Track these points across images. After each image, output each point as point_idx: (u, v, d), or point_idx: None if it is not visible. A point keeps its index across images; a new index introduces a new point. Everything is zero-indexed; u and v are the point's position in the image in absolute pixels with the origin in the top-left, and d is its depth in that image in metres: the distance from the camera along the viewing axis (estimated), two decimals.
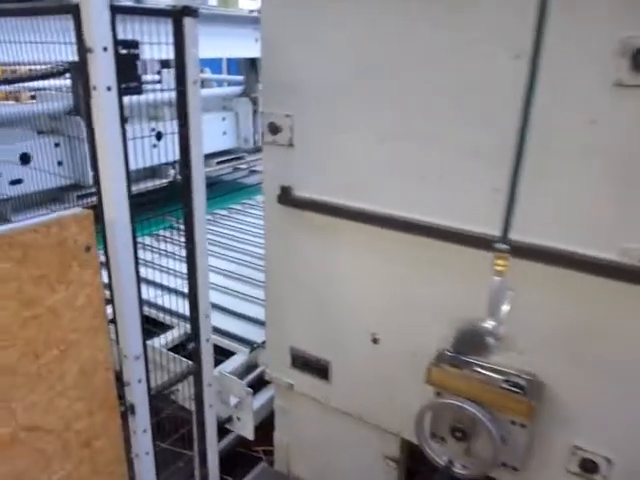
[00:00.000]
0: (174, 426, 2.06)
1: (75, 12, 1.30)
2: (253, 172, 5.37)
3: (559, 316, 1.51)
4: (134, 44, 1.44)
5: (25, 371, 1.31)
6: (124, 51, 1.42)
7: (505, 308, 1.32)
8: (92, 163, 1.47)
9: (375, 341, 1.88)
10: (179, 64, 1.57)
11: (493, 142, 1.44)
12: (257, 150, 4.70)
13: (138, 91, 1.45)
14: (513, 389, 1.55)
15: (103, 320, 1.46)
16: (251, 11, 4.27)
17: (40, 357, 1.33)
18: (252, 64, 4.27)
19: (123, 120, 1.43)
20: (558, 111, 1.36)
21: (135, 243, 1.56)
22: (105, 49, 1.34)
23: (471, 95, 1.47)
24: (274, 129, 1.82)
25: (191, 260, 1.79)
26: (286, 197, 1.85)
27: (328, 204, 1.77)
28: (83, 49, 1.34)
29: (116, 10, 1.32)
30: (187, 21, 1.53)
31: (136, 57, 1.45)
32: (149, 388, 1.73)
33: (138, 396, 1.69)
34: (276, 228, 1.95)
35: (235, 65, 6.56)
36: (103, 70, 1.35)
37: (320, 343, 2.01)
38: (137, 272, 1.57)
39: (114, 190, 1.47)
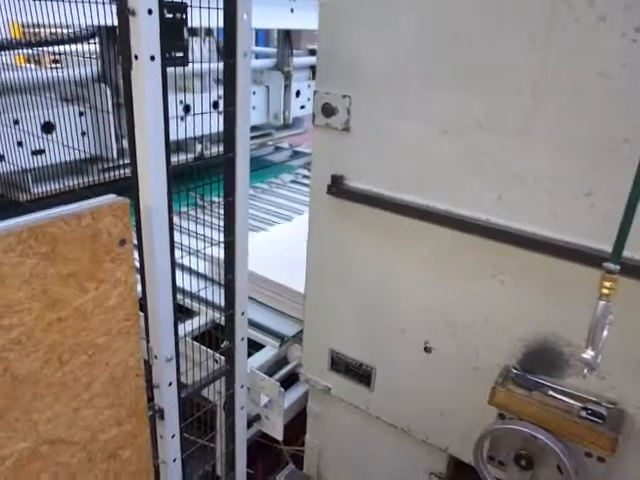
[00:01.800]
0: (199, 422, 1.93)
1: None
2: (278, 149, 5.16)
3: None
4: (182, 7, 1.24)
5: (49, 380, 1.15)
6: (169, 15, 1.23)
7: (605, 334, 1.13)
8: (129, 142, 1.29)
9: (427, 350, 1.70)
10: (229, 33, 1.37)
11: (604, 136, 1.23)
12: (286, 127, 4.48)
13: (184, 62, 1.26)
14: (593, 418, 1.37)
15: (136, 322, 1.29)
16: None
17: (66, 364, 1.18)
18: (286, 36, 4.02)
19: (166, 95, 1.24)
20: None
21: (172, 235, 1.38)
22: (150, 12, 1.14)
23: (584, 78, 1.24)
24: (328, 111, 1.61)
25: (230, 256, 1.61)
26: (337, 187, 1.65)
27: (387, 198, 1.58)
28: (124, 11, 1.14)
29: None
30: None
31: (183, 23, 1.25)
32: (179, 391, 1.58)
33: (168, 400, 1.54)
34: (323, 220, 1.77)
35: (262, 36, 6.29)
36: (147, 37, 1.16)
37: (364, 347, 1.84)
38: (173, 268, 1.40)
39: (152, 174, 1.29)
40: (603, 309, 1.08)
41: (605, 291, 1.07)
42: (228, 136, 1.48)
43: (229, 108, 1.43)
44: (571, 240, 1.32)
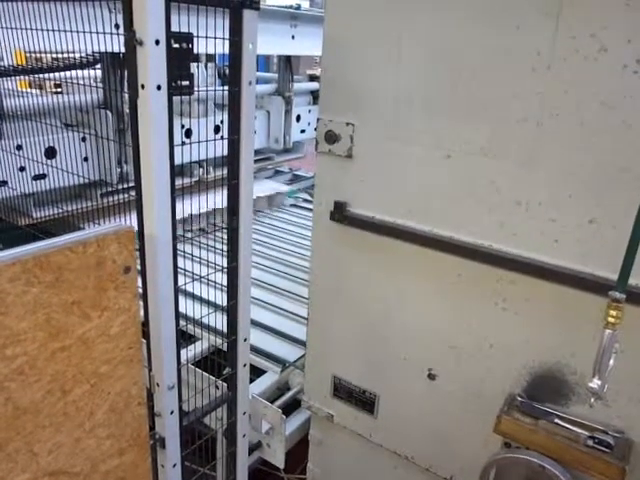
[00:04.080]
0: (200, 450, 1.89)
1: None
2: (278, 172, 5.19)
3: None
4: (188, 38, 1.26)
5: (51, 409, 1.14)
6: (176, 45, 1.24)
7: (612, 363, 1.12)
8: (134, 169, 1.30)
9: (431, 377, 1.68)
10: (235, 62, 1.39)
11: (607, 165, 1.24)
12: (286, 151, 4.51)
13: (190, 91, 1.27)
14: (600, 447, 1.35)
15: (139, 350, 1.28)
16: (288, 6, 4.08)
17: (68, 393, 1.16)
18: (286, 62, 4.08)
19: (172, 123, 1.25)
20: None
21: (176, 262, 1.38)
22: (157, 42, 1.16)
23: (566, 110, 1.27)
24: (332, 138, 1.63)
25: (233, 281, 1.61)
26: (340, 214, 1.66)
27: (389, 225, 1.58)
28: (132, 41, 1.16)
29: None
30: (247, 13, 1.34)
31: (189, 52, 1.27)
32: (181, 419, 1.56)
33: (170, 429, 1.52)
34: (326, 246, 1.77)
35: (262, 62, 6.38)
36: (154, 66, 1.17)
37: (368, 374, 1.82)
38: (177, 295, 1.40)
39: (156, 201, 1.29)
40: (609, 338, 1.08)
41: (611, 320, 1.07)
42: (232, 163, 1.49)
43: (233, 136, 1.44)
44: (574, 267, 1.32)
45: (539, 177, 1.34)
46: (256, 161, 4.43)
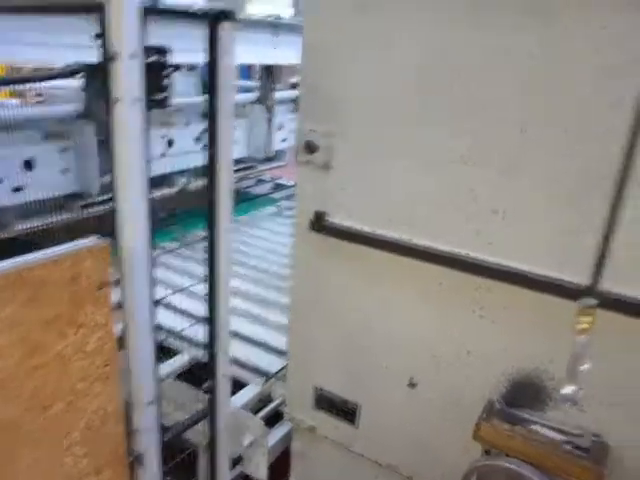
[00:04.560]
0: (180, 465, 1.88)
1: (100, 11, 1.12)
2: (260, 181, 5.19)
3: (631, 371, 1.33)
4: (163, 51, 1.26)
5: (30, 425, 1.12)
6: (152, 59, 1.25)
7: (586, 368, 1.14)
8: (112, 182, 1.29)
9: (412, 385, 1.69)
10: (212, 74, 1.39)
11: (587, 173, 1.26)
12: (268, 159, 4.51)
13: (165, 104, 1.27)
14: (576, 452, 1.37)
15: (115, 367, 1.27)
16: (268, 16, 4.10)
17: (48, 409, 1.14)
18: (268, 70, 4.09)
19: (148, 136, 1.25)
20: None
21: (153, 275, 1.37)
22: (133, 56, 1.16)
23: (559, 121, 1.28)
24: (311, 148, 1.64)
25: (212, 293, 1.60)
26: (320, 224, 1.67)
27: (370, 234, 1.59)
28: (107, 55, 1.15)
29: (148, 12, 1.14)
30: (224, 26, 1.35)
31: (165, 66, 1.27)
32: (160, 435, 1.54)
33: (149, 445, 1.50)
34: (306, 256, 1.77)
35: (245, 70, 6.39)
36: (129, 80, 1.17)
37: (349, 383, 1.82)
38: (154, 308, 1.39)
39: (132, 215, 1.28)
40: (582, 344, 1.10)
41: (584, 326, 1.08)
42: (210, 175, 1.49)
43: (211, 149, 1.44)
44: (551, 274, 1.34)
45: (517, 185, 1.36)
46: (238, 170, 4.44)
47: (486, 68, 1.34)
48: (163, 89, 1.27)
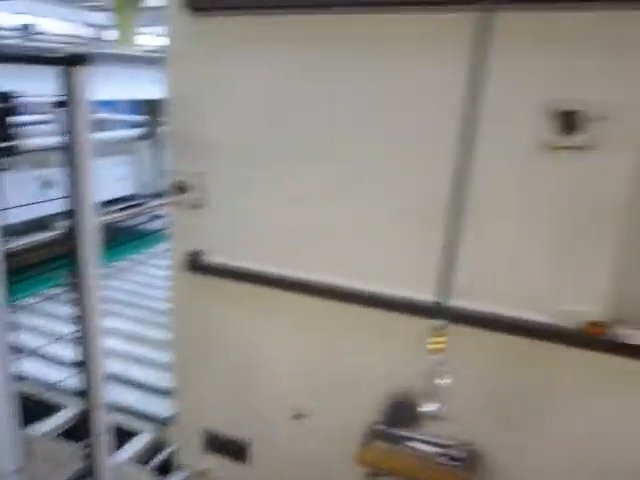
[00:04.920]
0: None
1: None
2: (156, 217, 5.05)
3: (494, 381, 1.45)
4: (6, 97, 1.21)
5: None
6: None
7: (444, 383, 1.22)
8: None
9: (300, 417, 1.71)
10: (68, 116, 1.36)
11: (429, 203, 1.36)
12: (159, 195, 4.42)
13: (10, 153, 1.22)
14: (449, 462, 1.45)
15: None
16: (147, 51, 4.06)
17: None
18: (153, 105, 4.04)
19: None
20: (488, 169, 1.31)
21: (9, 334, 1.29)
22: None
23: (400, 152, 1.39)
24: (182, 188, 1.64)
25: (83, 335, 1.53)
26: (196, 263, 1.66)
27: (244, 270, 1.61)
28: None
29: None
30: (78, 70, 1.32)
31: (9, 112, 1.22)
32: None
33: None
34: (185, 297, 1.75)
35: (130, 106, 6.24)
36: None
37: (238, 421, 1.80)
38: (13, 369, 1.30)
39: None
40: (437, 363, 1.18)
41: (436, 346, 1.16)
42: (71, 217, 1.43)
43: (71, 191, 1.39)
44: (408, 295, 1.42)
45: (371, 215, 1.45)
46: (128, 207, 4.30)
47: (326, 112, 1.44)
48: (8, 137, 1.22)
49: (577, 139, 1.22)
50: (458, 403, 1.44)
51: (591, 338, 1.31)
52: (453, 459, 1.46)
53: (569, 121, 1.22)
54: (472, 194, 1.25)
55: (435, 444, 1.49)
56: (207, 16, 1.51)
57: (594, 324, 1.31)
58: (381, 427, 1.54)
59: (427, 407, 1.19)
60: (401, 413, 1.53)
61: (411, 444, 1.49)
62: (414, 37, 1.32)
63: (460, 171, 1.13)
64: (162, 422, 2.14)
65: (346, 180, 1.47)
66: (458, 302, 1.28)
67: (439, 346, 1.17)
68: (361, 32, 1.35)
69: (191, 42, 1.55)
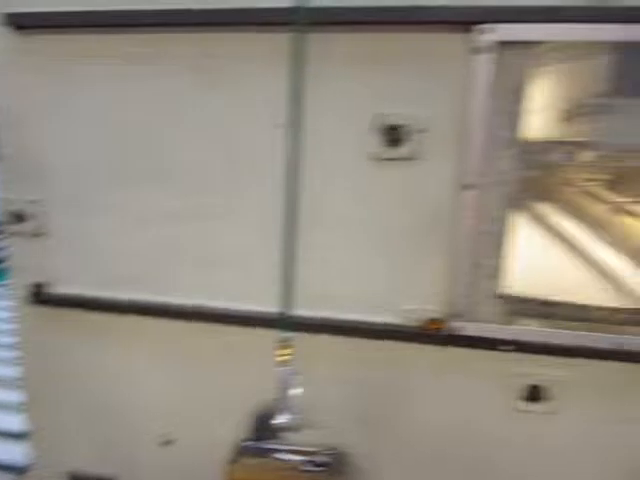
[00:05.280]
0: None
1: None
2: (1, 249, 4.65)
3: (351, 384, 1.51)
4: None
5: None
6: None
7: (296, 393, 1.25)
8: None
9: (168, 443, 1.66)
10: None
11: (265, 217, 1.39)
12: None
13: None
14: (314, 469, 1.49)
15: None
16: None
17: None
18: None
19: None
20: (322, 183, 1.38)
21: None
22: None
23: (237, 169, 1.42)
24: (19, 217, 1.53)
25: None
26: (40, 296, 1.55)
27: (95, 299, 1.54)
28: None
29: None
30: None
31: None
32: None
33: None
34: (32, 332, 1.63)
35: None
36: None
37: (103, 458, 1.71)
38: None
39: None
40: (285, 374, 1.21)
41: (283, 358, 1.19)
42: None
43: None
44: (259, 309, 1.44)
45: (225, 234, 1.46)
46: None
47: (164, 131, 1.43)
48: None
49: (401, 151, 1.33)
50: (319, 409, 1.50)
51: (432, 333, 1.42)
52: (318, 465, 1.50)
53: (393, 135, 1.32)
54: (308, 206, 1.32)
55: (300, 452, 1.52)
56: (33, 34, 1.43)
57: (433, 320, 1.42)
58: (248, 443, 1.54)
59: (280, 419, 1.21)
60: (265, 427, 1.54)
61: (278, 456, 1.51)
62: (243, 57, 1.35)
63: (291, 184, 1.17)
64: (19, 471, 1.97)
65: (189, 198, 1.46)
66: (305, 312, 1.33)
67: (286, 357, 1.20)
68: (190, 51, 1.36)
69: (18, 62, 1.47)
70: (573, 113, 1.53)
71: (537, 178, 2.38)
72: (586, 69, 1.42)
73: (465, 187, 1.30)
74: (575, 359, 1.36)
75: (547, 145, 1.50)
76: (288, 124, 1.16)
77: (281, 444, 1.53)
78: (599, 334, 1.33)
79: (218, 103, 1.39)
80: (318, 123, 1.34)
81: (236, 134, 1.40)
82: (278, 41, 1.25)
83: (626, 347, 1.34)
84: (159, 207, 1.47)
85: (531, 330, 1.37)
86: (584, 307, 1.36)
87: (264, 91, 1.35)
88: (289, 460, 1.49)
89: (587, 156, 2.57)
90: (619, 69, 1.33)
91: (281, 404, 1.22)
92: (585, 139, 1.55)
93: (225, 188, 1.44)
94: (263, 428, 1.55)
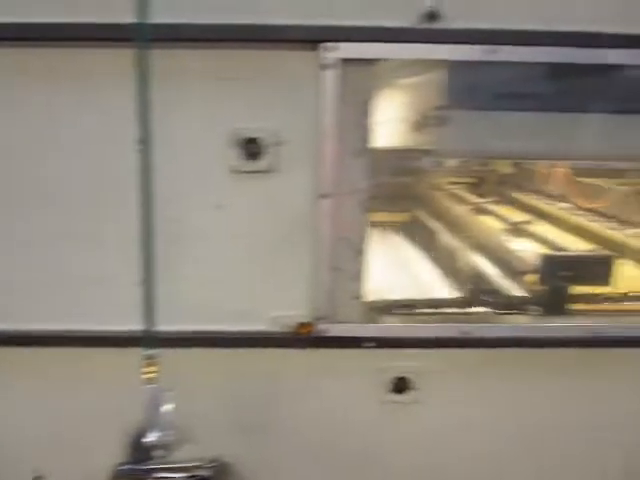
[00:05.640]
0: None
1: None
2: None
3: (228, 395, 1.53)
4: None
5: None
6: None
7: (168, 409, 1.24)
8: None
9: (39, 478, 1.57)
10: None
11: (125, 233, 1.37)
12: None
13: None
14: None
15: None
16: None
17: None
18: None
19: None
20: (184, 198, 1.38)
21: None
22: None
23: (97, 184, 1.39)
24: None
25: None
26: None
27: None
28: None
29: None
30: None
31: None
32: None
33: None
34: None
35: None
36: None
37: None
38: None
39: None
40: (153, 391, 1.19)
41: (150, 375, 1.18)
42: None
43: None
44: (126, 329, 1.40)
45: (100, 255, 1.42)
46: None
47: (37, 148, 1.37)
48: None
49: (260, 164, 1.37)
50: (196, 423, 1.49)
51: (302, 337, 1.47)
52: (203, 478, 1.49)
53: (251, 148, 1.36)
54: (170, 221, 1.32)
55: (180, 469, 1.50)
56: None
57: (303, 325, 1.47)
58: (124, 467, 1.50)
59: (152, 437, 1.20)
60: (140, 448, 1.51)
61: (157, 475, 1.48)
62: (106, 72, 1.32)
63: (145, 201, 1.17)
64: None
65: (51, 220, 1.41)
66: (173, 327, 1.33)
67: (152, 375, 1.19)
68: (55, 65, 1.31)
69: None
70: (421, 124, 1.67)
71: (405, 184, 2.57)
72: (427, 84, 1.55)
73: (322, 196, 1.37)
74: (432, 350, 1.49)
75: (398, 153, 1.62)
76: (139, 140, 1.16)
77: (159, 463, 1.50)
78: (449, 324, 1.46)
79: (84, 121, 1.35)
80: (179, 138, 1.35)
81: (100, 152, 1.37)
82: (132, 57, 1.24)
83: (475, 334, 1.48)
84: (44, 228, 1.41)
85: (389, 326, 1.47)
86: (436, 301, 1.49)
87: (122, 108, 1.33)
88: (169, 478, 1.47)
89: (450, 162, 2.80)
90: (453, 84, 1.47)
91: (151, 422, 1.21)
92: (431, 147, 1.69)
93: (87, 208, 1.40)
94: (139, 450, 1.51)
